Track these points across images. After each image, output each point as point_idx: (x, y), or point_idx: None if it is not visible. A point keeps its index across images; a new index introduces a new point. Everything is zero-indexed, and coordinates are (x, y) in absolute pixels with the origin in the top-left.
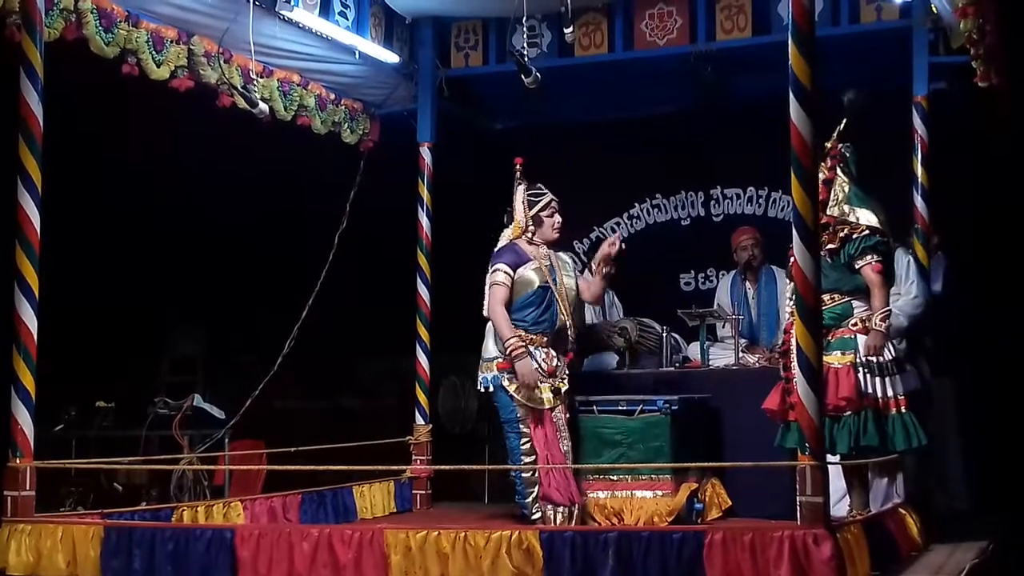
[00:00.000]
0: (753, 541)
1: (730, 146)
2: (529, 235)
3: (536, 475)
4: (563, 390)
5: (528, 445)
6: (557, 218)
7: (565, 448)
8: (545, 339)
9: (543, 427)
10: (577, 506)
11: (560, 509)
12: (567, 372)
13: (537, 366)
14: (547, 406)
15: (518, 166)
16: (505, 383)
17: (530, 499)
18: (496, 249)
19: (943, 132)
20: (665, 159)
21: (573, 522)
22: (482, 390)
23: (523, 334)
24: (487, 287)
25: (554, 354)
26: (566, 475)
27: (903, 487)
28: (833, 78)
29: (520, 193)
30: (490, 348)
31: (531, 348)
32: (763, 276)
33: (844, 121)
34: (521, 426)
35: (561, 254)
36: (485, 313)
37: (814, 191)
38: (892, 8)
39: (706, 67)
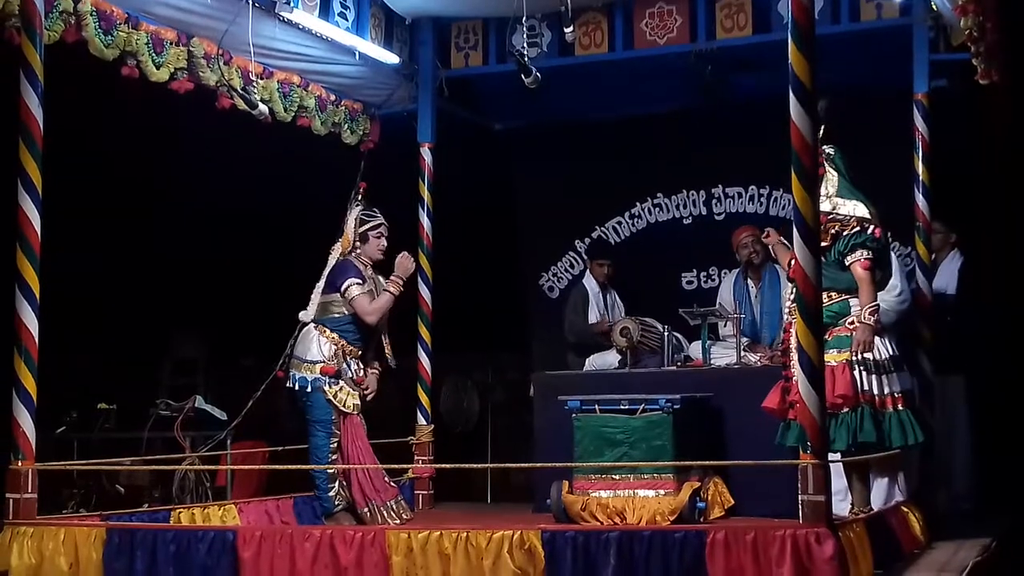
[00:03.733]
0: (755, 540)
1: (731, 145)
2: (357, 251)
3: (336, 472)
4: (367, 400)
5: (336, 444)
6: (383, 242)
7: (362, 455)
8: (360, 352)
9: (352, 429)
10: (376, 504)
11: (365, 510)
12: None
13: (352, 375)
14: (354, 412)
15: (361, 189)
16: (326, 388)
17: (332, 493)
18: (333, 267)
19: (944, 130)
20: (666, 158)
21: (378, 519)
22: (293, 387)
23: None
24: (342, 293)
25: (362, 366)
26: (369, 477)
27: (905, 485)
28: (833, 76)
29: (355, 211)
30: (313, 351)
31: (348, 360)
32: (766, 275)
33: (823, 128)
34: (333, 427)
35: (379, 277)
36: (304, 318)
37: (814, 189)
38: (892, 6)
39: (706, 66)
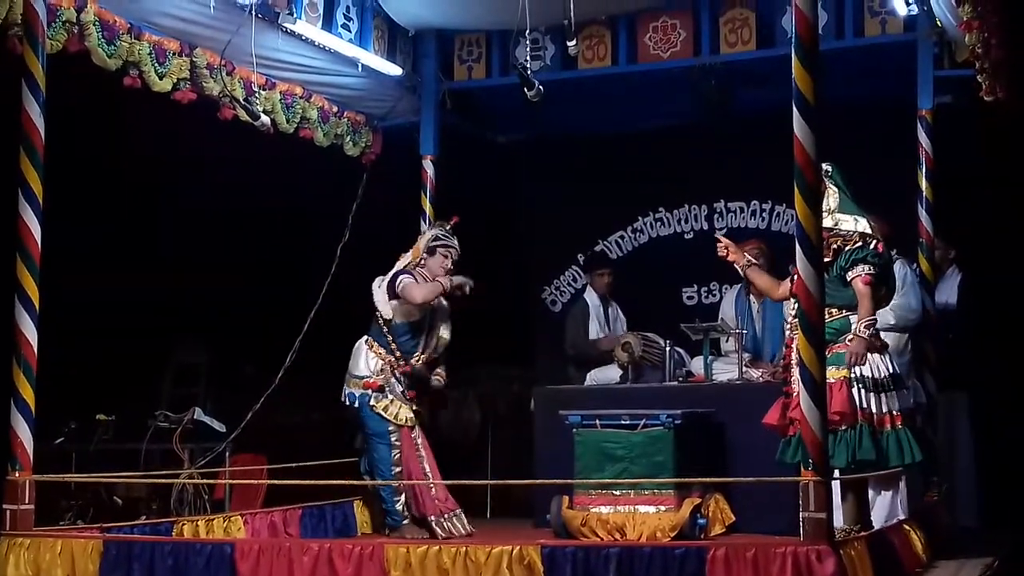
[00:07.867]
0: (756, 557)
1: (734, 159)
2: (421, 265)
3: (402, 485)
4: (422, 413)
5: (398, 456)
6: (449, 263)
7: (425, 467)
8: (411, 369)
9: (408, 443)
10: (433, 517)
11: (431, 519)
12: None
13: (402, 390)
14: (408, 424)
15: (452, 223)
16: (372, 402)
17: (398, 507)
18: (391, 278)
19: (948, 146)
20: (668, 172)
21: (452, 531)
22: (346, 404)
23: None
24: (396, 288)
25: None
26: (423, 490)
27: (907, 502)
28: (837, 91)
29: (433, 231)
30: (360, 366)
31: (396, 373)
32: None
33: None
34: (392, 438)
35: (443, 302)
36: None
37: (817, 204)
38: (897, 21)
39: (710, 80)
